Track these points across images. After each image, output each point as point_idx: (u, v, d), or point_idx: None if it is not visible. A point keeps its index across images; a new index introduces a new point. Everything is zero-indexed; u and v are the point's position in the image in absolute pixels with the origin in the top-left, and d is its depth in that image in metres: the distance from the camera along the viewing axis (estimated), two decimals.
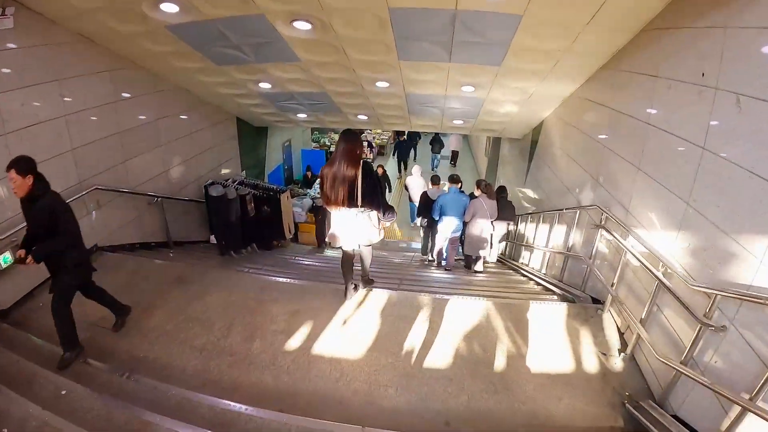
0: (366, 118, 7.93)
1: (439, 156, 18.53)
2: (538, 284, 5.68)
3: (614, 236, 3.90)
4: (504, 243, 8.32)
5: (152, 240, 6.63)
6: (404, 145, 15.57)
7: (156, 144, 6.65)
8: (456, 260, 7.15)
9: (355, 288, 4.18)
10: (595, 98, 4.95)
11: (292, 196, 10.82)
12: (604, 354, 3.63)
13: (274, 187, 8.21)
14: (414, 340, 3.51)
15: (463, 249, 6.91)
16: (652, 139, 3.62)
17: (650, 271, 3.22)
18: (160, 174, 6.76)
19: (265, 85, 6.65)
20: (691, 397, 2.82)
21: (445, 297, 4.19)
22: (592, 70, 4.82)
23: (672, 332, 3.14)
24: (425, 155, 16.33)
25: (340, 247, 3.97)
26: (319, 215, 8.72)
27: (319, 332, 3.53)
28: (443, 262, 6.87)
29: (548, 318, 4.02)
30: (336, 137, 18.17)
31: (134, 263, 5.37)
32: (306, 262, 6.96)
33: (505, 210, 6.77)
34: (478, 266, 6.77)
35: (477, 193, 6.37)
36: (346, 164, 3.44)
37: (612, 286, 3.94)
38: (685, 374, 2.72)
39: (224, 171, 8.77)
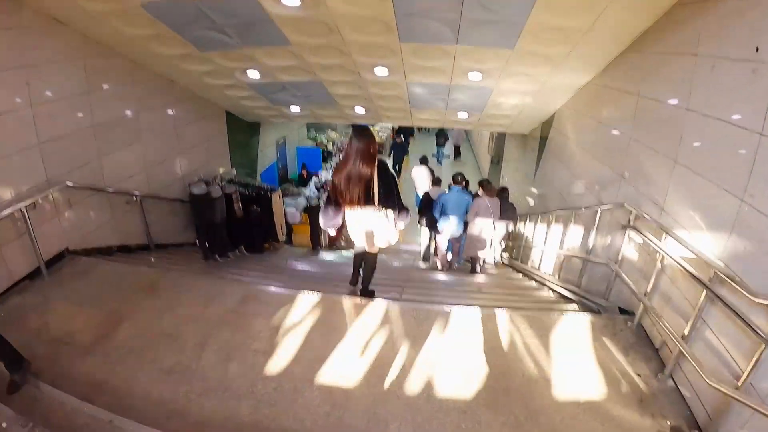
0: (364, 111, 7.47)
1: (443, 149, 18.39)
2: (553, 291, 5.22)
3: (648, 238, 3.44)
4: (504, 244, 8.14)
5: (132, 242, 6.16)
6: (400, 148, 15.18)
7: (136, 139, 6.18)
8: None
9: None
10: (618, 85, 4.49)
11: (286, 196, 10.38)
12: (639, 375, 3.17)
13: (265, 185, 7.74)
14: (419, 362, 3.03)
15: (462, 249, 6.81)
16: (692, 127, 3.17)
17: (697, 279, 2.77)
18: (140, 171, 6.28)
19: (254, 74, 6.18)
20: (748, 430, 2.37)
21: (453, 309, 3.72)
22: (614, 53, 4.36)
23: (723, 351, 2.68)
24: (418, 151, 15.94)
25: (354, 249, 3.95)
26: (312, 216, 8.26)
27: (308, 353, 3.05)
28: (443, 261, 6.76)
29: (571, 331, 3.56)
30: (334, 135, 17.78)
31: (107, 268, 4.88)
32: (299, 267, 6.50)
33: (507, 211, 6.68)
34: (480, 267, 6.70)
35: (480, 192, 6.27)
36: (361, 163, 3.36)
37: (645, 294, 3.49)
38: (743, 402, 2.27)
39: (213, 168, 8.29)
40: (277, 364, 2.91)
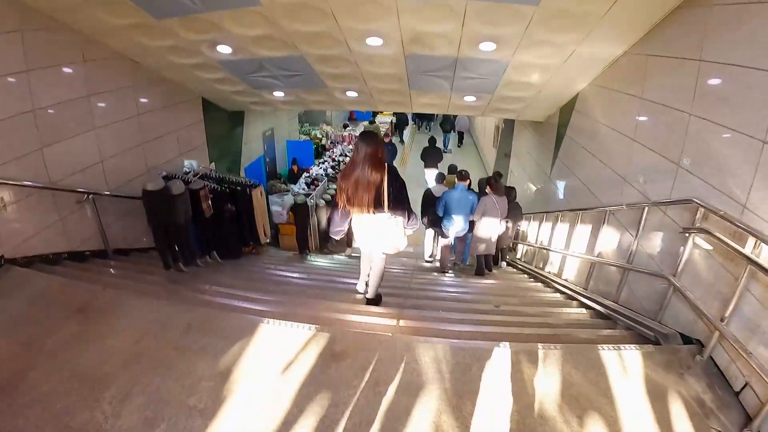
0: (356, 95, 6.63)
1: (450, 136, 17.86)
2: (586, 307, 4.39)
3: (727, 244, 2.62)
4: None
5: (86, 248, 5.34)
6: (389, 148, 13.61)
7: (88, 126, 5.34)
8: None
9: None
10: (671, 51, 3.65)
11: (272, 192, 9.55)
12: None
13: (243, 180, 6.90)
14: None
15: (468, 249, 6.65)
16: None
17: None
18: (93, 165, 5.44)
19: (224, 49, 5.35)
20: None
21: (468, 344, 2.89)
22: (665, 9, 3.53)
23: None
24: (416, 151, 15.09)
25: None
26: (299, 216, 7.42)
27: (268, 417, 2.21)
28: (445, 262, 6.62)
29: (629, 371, 2.72)
30: (328, 129, 16.94)
31: (42, 283, 4.05)
32: (281, 276, 5.66)
33: (514, 210, 6.69)
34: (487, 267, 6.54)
35: (487, 190, 6.09)
36: (369, 168, 3.33)
37: (721, 320, 2.67)
38: None
39: (186, 162, 7.46)
40: None
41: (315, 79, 5.99)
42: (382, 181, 3.36)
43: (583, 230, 5.19)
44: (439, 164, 12.69)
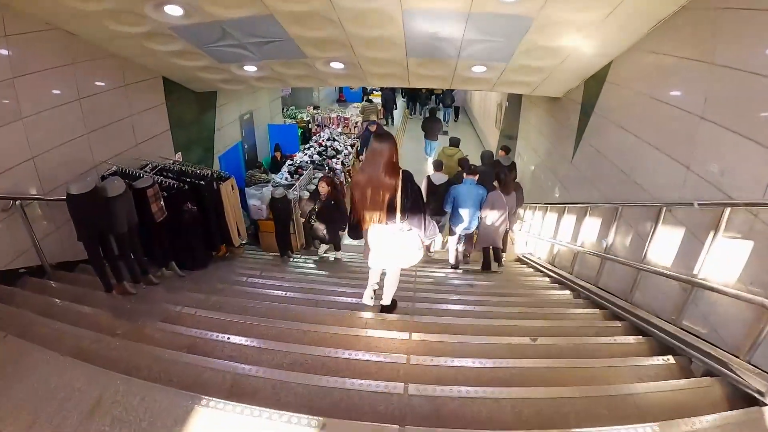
0: (342, 67, 5.59)
1: (451, 110, 17.92)
2: (644, 333, 3.50)
3: None
4: None
5: (20, 265, 4.39)
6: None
7: (14, 116, 4.32)
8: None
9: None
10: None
11: (251, 183, 8.56)
12: None
13: (209, 173, 5.89)
14: None
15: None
16: None
17: None
18: (22, 163, 4.44)
19: (174, 11, 4.31)
20: None
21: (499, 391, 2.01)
22: None
23: None
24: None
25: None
26: (278, 212, 6.44)
27: None
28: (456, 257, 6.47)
29: None
30: (315, 113, 15.83)
31: None
32: (258, 290, 4.70)
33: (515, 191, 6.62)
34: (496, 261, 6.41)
35: (495, 185, 5.98)
36: (383, 173, 3.12)
37: None
38: None
39: (145, 153, 6.44)
40: None
41: (291, 47, 4.95)
42: (396, 188, 3.12)
43: (625, 229, 4.28)
44: (439, 135, 13.11)
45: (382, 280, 3.82)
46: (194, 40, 5.21)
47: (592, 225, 5.08)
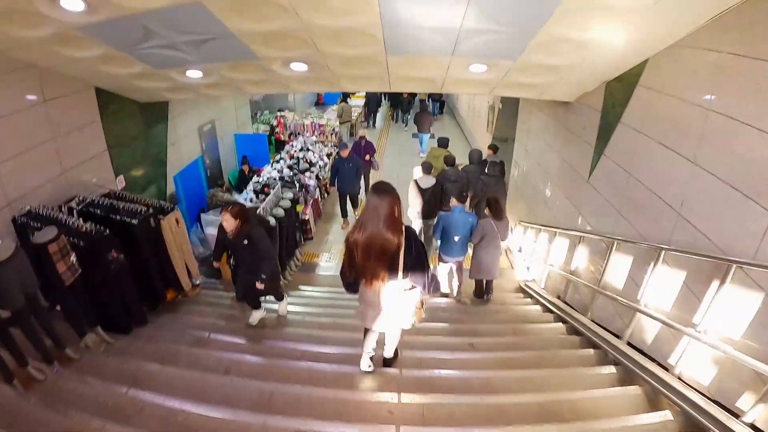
0: (306, 69, 4.50)
1: (437, 104, 18.19)
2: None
3: None
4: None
5: None
6: (347, 167, 8.46)
7: None
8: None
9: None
10: None
11: (212, 206, 7.47)
12: None
13: (143, 208, 4.79)
14: None
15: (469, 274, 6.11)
16: None
17: None
18: None
19: (73, 5, 3.22)
20: None
21: None
22: None
23: None
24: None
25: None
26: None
27: None
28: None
29: None
30: (290, 116, 14.62)
31: None
32: (214, 353, 3.65)
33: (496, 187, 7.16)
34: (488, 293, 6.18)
35: (486, 212, 5.74)
36: (385, 229, 2.84)
37: None
38: None
39: (74, 183, 5.32)
40: None
41: (235, 45, 3.87)
42: (399, 245, 2.91)
43: (669, 278, 3.34)
44: (431, 128, 13.52)
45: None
46: (114, 41, 4.12)
47: (618, 264, 4.14)
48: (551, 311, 5.33)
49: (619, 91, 4.37)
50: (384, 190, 2.89)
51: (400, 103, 17.50)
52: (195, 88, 5.83)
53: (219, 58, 4.41)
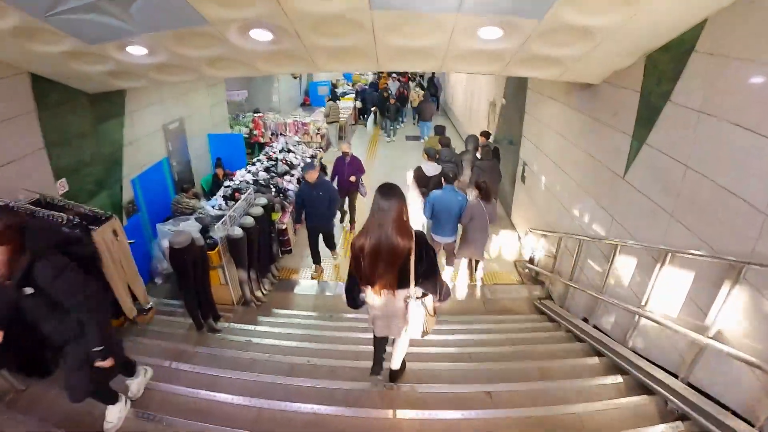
0: (271, 38, 3.59)
1: (435, 99, 17.79)
2: None
3: None
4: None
5: None
6: (316, 196, 6.24)
7: None
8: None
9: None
10: None
11: (177, 215, 6.57)
12: None
13: (69, 216, 3.87)
14: None
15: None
16: None
17: None
18: None
19: None
20: None
21: None
22: None
23: None
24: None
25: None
26: (180, 266, 4.36)
27: None
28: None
29: None
30: (270, 116, 13.69)
31: None
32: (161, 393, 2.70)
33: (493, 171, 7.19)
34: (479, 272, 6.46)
35: (475, 194, 5.85)
36: (394, 234, 2.69)
37: None
38: None
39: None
40: None
41: (177, 3, 3.01)
42: (410, 252, 2.72)
43: (751, 302, 2.49)
44: (433, 117, 14.01)
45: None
46: (21, 3, 3.25)
47: (671, 281, 3.29)
48: (578, 338, 4.44)
49: (666, 62, 3.54)
50: (390, 191, 2.73)
51: (387, 110, 15.42)
52: (145, 72, 4.94)
53: (160, 25, 3.51)
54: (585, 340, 4.22)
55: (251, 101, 15.87)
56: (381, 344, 3.42)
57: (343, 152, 7.74)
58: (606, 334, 4.24)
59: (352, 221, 8.16)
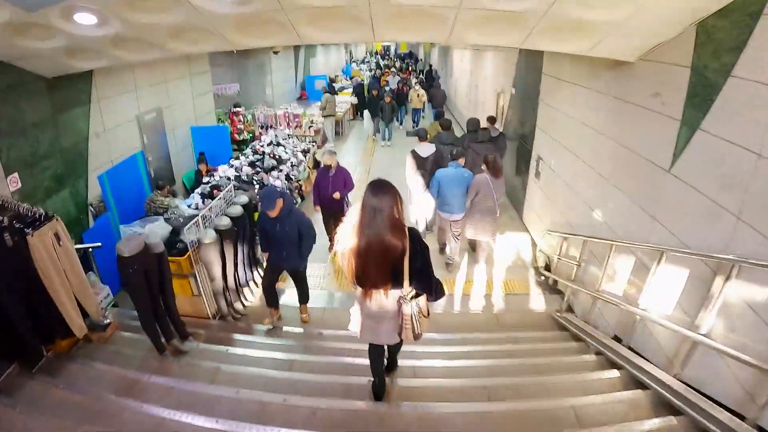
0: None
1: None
2: None
3: None
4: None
5: None
6: (279, 232, 4.70)
7: None
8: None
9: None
10: None
11: (150, 214, 5.99)
12: None
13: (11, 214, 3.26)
14: None
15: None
16: None
17: None
18: None
19: None
20: None
21: None
22: None
23: None
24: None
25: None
26: (132, 276, 3.68)
27: None
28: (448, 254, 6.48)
29: None
30: (260, 108, 12.99)
31: None
32: None
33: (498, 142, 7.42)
34: (482, 256, 6.41)
35: (483, 168, 5.84)
36: (387, 234, 2.57)
37: None
38: None
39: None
40: None
41: None
42: (403, 250, 2.60)
43: None
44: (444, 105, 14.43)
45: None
46: None
47: (741, 297, 2.68)
48: (612, 362, 3.81)
49: (725, 30, 2.93)
50: (382, 187, 2.63)
51: (381, 109, 13.34)
52: (102, 47, 4.33)
53: None
54: (623, 367, 3.58)
55: (245, 95, 15.27)
56: (377, 356, 3.23)
57: (324, 165, 6.29)
58: (646, 359, 3.62)
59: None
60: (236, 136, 11.09)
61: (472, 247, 6.63)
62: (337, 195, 6.21)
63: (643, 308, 3.65)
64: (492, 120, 8.25)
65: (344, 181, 6.30)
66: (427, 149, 6.58)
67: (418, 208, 6.77)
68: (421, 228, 6.75)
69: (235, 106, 12.56)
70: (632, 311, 3.75)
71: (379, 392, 3.26)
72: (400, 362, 3.65)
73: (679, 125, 3.40)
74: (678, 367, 3.23)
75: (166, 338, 3.95)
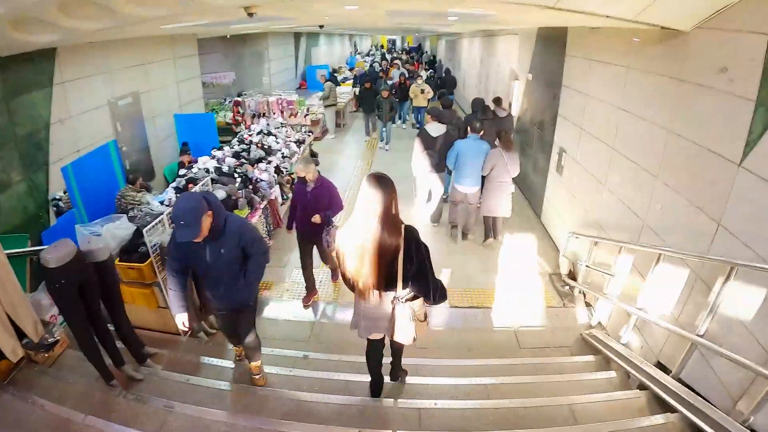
0: None
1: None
2: None
3: None
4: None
5: None
6: (214, 262, 3.14)
7: None
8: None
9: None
10: None
11: (121, 210, 5.45)
12: None
13: None
14: None
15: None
16: None
17: None
18: None
19: None
20: None
21: None
22: None
23: None
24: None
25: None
26: (62, 292, 3.03)
27: None
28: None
29: None
30: (256, 96, 12.27)
31: None
32: None
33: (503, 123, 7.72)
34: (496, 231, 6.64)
35: (497, 143, 6.13)
36: (381, 231, 2.51)
37: None
38: None
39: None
40: None
41: None
42: (397, 249, 2.55)
43: None
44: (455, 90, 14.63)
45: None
46: None
47: None
48: (662, 402, 3.17)
49: None
50: (380, 181, 2.51)
51: (377, 106, 11.60)
52: (48, 14, 3.71)
53: None
54: (676, 410, 2.95)
55: (242, 84, 14.68)
56: (375, 352, 3.23)
57: (299, 177, 4.78)
58: (704, 398, 2.99)
59: (334, 275, 5.68)
60: (234, 128, 10.51)
61: (487, 231, 6.66)
62: (316, 218, 4.62)
63: (700, 334, 3.02)
64: (498, 101, 8.23)
65: (329, 198, 4.76)
66: (437, 129, 6.52)
67: (423, 191, 7.00)
68: (427, 212, 7.13)
69: (239, 95, 12.02)
70: (687, 337, 3.12)
71: (376, 390, 3.36)
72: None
73: (753, 107, 2.74)
74: (747, 412, 2.61)
75: (115, 364, 3.35)
